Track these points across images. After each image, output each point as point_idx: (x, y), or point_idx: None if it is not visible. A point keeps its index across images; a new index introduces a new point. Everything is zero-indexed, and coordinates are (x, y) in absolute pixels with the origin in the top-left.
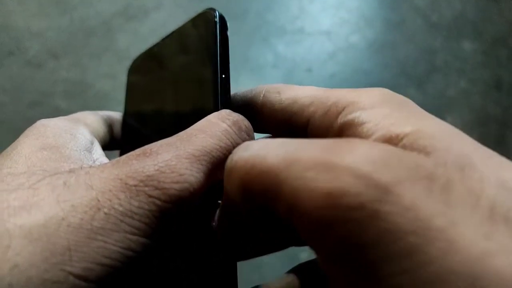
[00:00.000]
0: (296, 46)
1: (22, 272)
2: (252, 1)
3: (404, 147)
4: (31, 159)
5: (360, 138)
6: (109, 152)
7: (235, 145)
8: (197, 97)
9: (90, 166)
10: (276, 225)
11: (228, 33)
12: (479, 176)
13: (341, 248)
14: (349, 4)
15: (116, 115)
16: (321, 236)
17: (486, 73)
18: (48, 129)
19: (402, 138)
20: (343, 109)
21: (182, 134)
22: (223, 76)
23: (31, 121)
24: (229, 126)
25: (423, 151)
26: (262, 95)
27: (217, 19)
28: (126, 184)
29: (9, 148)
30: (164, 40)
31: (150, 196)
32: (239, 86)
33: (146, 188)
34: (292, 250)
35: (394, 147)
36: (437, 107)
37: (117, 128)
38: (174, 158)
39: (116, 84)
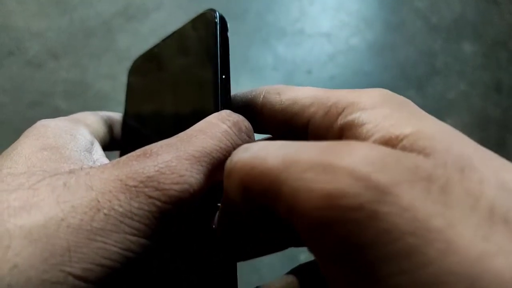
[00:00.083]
0: (296, 48)
1: (22, 273)
2: (252, 2)
3: (404, 148)
4: (31, 159)
5: (360, 139)
6: (109, 153)
7: (235, 146)
8: (197, 97)
9: (90, 167)
10: (276, 226)
11: (228, 33)
12: (478, 177)
13: (341, 248)
14: (349, 6)
15: (116, 115)
16: (321, 236)
17: (486, 76)
18: (49, 129)
19: (402, 139)
20: (343, 109)
21: (182, 135)
22: (223, 76)
23: (31, 122)
24: (229, 127)
25: (423, 152)
26: (262, 96)
27: (217, 20)
28: (126, 185)
29: (9, 149)
30: (164, 41)
31: (150, 197)
32: (239, 87)
33: (146, 189)
34: (291, 251)
35: (393, 149)
36: (437, 109)
37: (117, 129)
38: (174, 159)
39: (116, 84)
